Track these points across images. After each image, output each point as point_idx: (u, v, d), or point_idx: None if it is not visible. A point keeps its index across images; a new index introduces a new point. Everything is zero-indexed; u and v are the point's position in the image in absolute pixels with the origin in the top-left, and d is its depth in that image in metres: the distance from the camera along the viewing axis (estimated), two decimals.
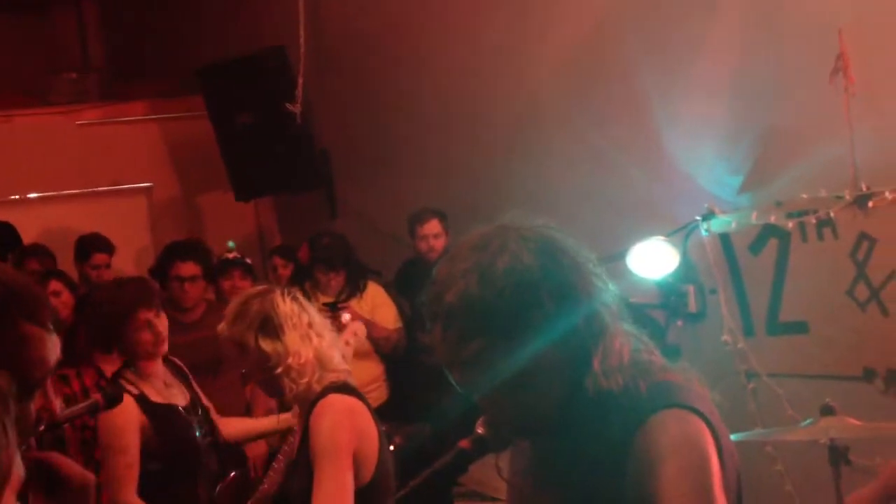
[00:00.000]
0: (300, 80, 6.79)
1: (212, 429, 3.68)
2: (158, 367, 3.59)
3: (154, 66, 8.58)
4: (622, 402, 1.66)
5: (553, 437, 1.74)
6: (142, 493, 3.39)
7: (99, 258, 6.42)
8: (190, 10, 8.27)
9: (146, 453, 3.43)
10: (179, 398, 3.61)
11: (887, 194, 4.06)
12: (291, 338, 2.89)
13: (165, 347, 3.54)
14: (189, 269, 5.27)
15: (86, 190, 7.75)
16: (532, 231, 1.70)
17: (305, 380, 2.87)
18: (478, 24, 5.95)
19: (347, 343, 3.50)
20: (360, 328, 3.74)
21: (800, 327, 4.33)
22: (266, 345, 2.87)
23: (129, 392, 3.42)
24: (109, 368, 4.15)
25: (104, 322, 3.58)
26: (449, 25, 6.16)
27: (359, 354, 5.21)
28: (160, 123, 8.10)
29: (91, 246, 6.45)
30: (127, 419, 3.39)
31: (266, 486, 3.12)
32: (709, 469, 1.60)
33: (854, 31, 4.11)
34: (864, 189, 4.10)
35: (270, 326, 2.89)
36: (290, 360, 2.87)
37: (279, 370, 2.87)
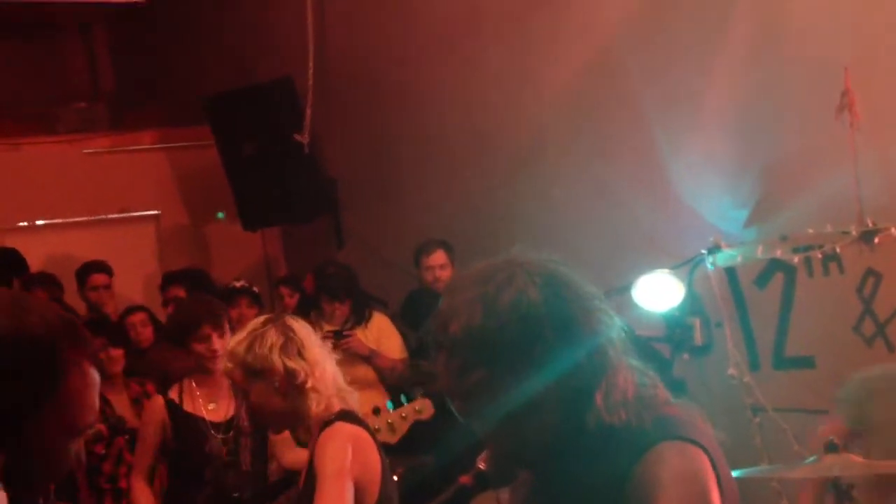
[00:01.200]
0: (308, 111, 6.84)
1: (238, 449, 3.90)
2: (212, 380, 3.94)
3: (163, 95, 8.63)
4: (624, 436, 1.66)
5: (554, 469, 1.74)
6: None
7: (96, 279, 6.44)
8: (199, 40, 8.34)
9: (163, 450, 3.96)
10: (215, 414, 3.95)
11: (893, 230, 4.06)
12: (313, 354, 2.92)
13: (218, 365, 3.70)
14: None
15: (93, 217, 7.78)
16: (538, 265, 1.71)
17: (328, 395, 2.89)
18: (482, 56, 5.99)
19: None
20: None
21: (806, 362, 4.32)
22: (292, 363, 2.89)
23: (165, 395, 3.99)
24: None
25: (175, 330, 4.15)
26: (454, 57, 6.19)
27: (364, 384, 5.22)
28: (168, 152, 8.14)
29: (87, 269, 6.48)
30: (151, 414, 4.00)
31: None
32: (708, 500, 1.60)
33: (859, 68, 4.13)
34: (870, 225, 4.11)
35: (292, 346, 2.91)
36: (317, 373, 2.89)
37: (309, 384, 2.87)
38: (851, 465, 3.02)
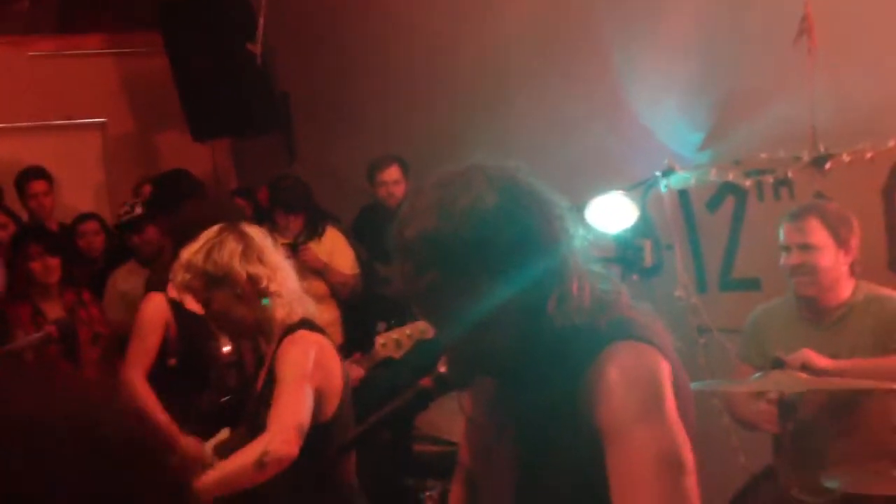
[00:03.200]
0: (261, 20, 6.70)
1: (241, 350, 3.80)
2: None
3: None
4: (582, 338, 1.68)
5: (513, 373, 1.77)
6: (156, 385, 3.83)
7: (35, 186, 6.29)
8: None
9: (166, 349, 3.88)
10: None
11: (844, 156, 4.12)
12: (273, 259, 2.90)
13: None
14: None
15: (37, 123, 7.58)
16: (499, 171, 1.72)
17: (290, 301, 2.88)
18: None
19: None
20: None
21: (752, 284, 4.41)
22: (253, 268, 2.87)
23: (167, 294, 3.85)
24: None
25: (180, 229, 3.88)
26: None
27: (316, 298, 5.22)
28: (116, 58, 7.93)
29: (26, 176, 6.33)
30: (154, 312, 3.89)
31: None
32: (661, 396, 1.63)
33: None
34: (822, 150, 4.17)
35: (251, 252, 2.90)
36: (279, 278, 2.88)
37: (272, 289, 2.86)
38: (796, 382, 3.12)
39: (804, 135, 4.19)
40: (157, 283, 4.02)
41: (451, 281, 1.66)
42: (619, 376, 1.63)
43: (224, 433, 3.29)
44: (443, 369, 1.79)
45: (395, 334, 3.64)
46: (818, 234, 3.39)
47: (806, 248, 3.39)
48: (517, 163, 1.76)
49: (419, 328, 3.70)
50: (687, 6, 4.70)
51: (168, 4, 7.10)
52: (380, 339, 3.30)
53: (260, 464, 2.70)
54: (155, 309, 3.91)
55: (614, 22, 4.92)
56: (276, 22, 6.73)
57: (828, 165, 4.17)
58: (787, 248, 3.46)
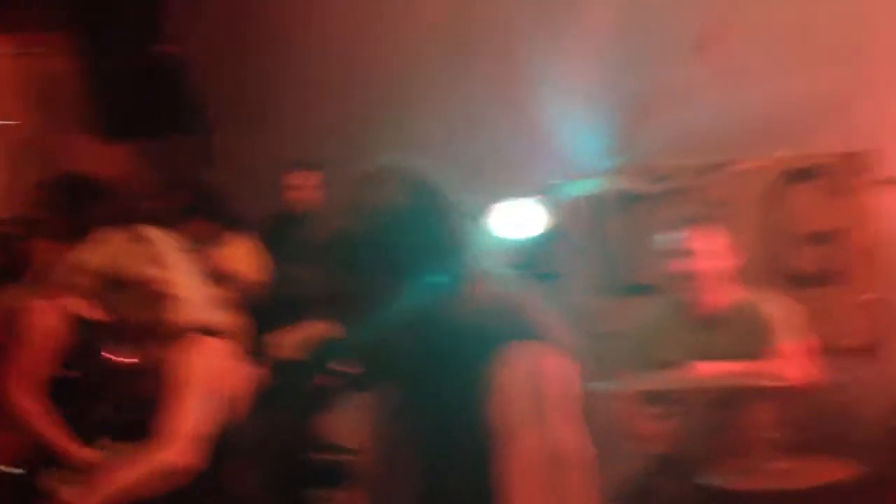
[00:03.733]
0: (176, 22, 6.63)
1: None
2: None
3: None
4: (482, 339, 1.68)
5: (415, 376, 1.76)
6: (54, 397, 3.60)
7: None
8: None
9: (59, 361, 3.59)
10: None
11: (741, 164, 4.22)
12: (174, 262, 2.84)
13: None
14: None
15: None
16: (412, 173, 1.72)
17: (191, 305, 2.81)
18: None
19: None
20: None
21: (652, 290, 4.45)
22: (153, 271, 2.79)
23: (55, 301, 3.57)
24: None
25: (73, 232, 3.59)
26: None
27: (222, 305, 5.16)
28: (25, 59, 7.75)
29: None
30: (40, 321, 3.59)
31: None
32: (556, 396, 1.64)
33: (718, 8, 4.24)
34: (720, 158, 4.26)
35: (151, 255, 2.82)
36: (178, 281, 2.81)
37: (173, 292, 2.79)
38: (682, 381, 3.19)
39: (703, 144, 4.28)
40: (39, 289, 3.89)
41: (360, 281, 1.66)
42: (513, 377, 1.64)
43: (122, 443, 3.23)
44: (347, 370, 1.77)
45: (293, 336, 3.64)
46: (703, 240, 3.45)
47: (692, 254, 3.45)
48: (427, 163, 1.76)
49: (319, 330, 3.68)
50: (593, 15, 4.76)
51: (79, 5, 6.96)
52: (279, 342, 3.28)
53: (156, 473, 2.66)
54: (41, 317, 3.72)
55: (521, 26, 4.97)
56: (191, 23, 6.66)
57: (725, 172, 4.26)
58: (674, 254, 3.52)
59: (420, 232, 1.66)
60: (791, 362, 3.25)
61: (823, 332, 3.37)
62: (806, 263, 3.95)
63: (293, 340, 3.69)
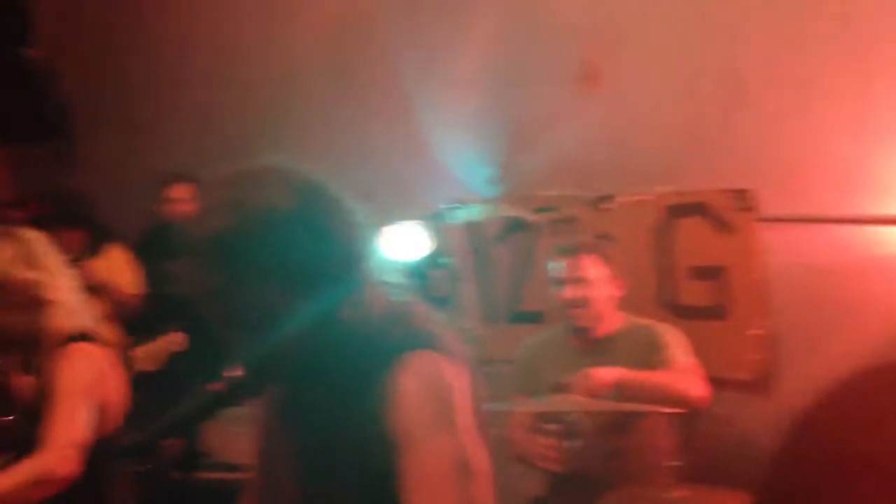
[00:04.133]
0: (39, 24, 6.40)
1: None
2: None
3: None
4: (375, 347, 1.67)
5: (303, 382, 1.73)
6: None
7: None
8: None
9: None
10: None
11: (622, 197, 4.35)
12: (52, 264, 2.72)
13: None
14: None
15: None
16: (297, 174, 1.66)
17: (69, 310, 2.70)
18: None
19: None
20: None
21: (537, 317, 4.54)
22: (29, 273, 2.67)
23: None
24: None
25: None
26: None
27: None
28: None
29: None
30: None
31: None
32: (455, 405, 1.63)
33: (601, 39, 4.37)
34: (604, 191, 4.38)
35: (26, 257, 2.70)
36: (58, 284, 2.70)
37: (50, 296, 2.67)
38: (576, 403, 3.24)
39: (588, 174, 4.39)
40: None
41: (238, 284, 1.59)
42: (415, 385, 1.62)
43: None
44: (231, 374, 1.71)
45: (150, 347, 3.55)
46: (592, 269, 3.55)
47: (581, 282, 3.54)
48: (316, 168, 1.70)
49: (175, 340, 3.61)
50: (481, 44, 4.83)
51: None
52: (137, 353, 3.20)
53: (35, 483, 2.55)
54: None
55: (410, 51, 5.01)
56: (61, 27, 6.42)
57: (609, 204, 4.38)
58: (562, 282, 3.60)
59: (306, 238, 1.61)
60: (686, 377, 3.34)
61: (709, 364, 3.47)
62: (692, 297, 4.08)
63: (148, 350, 3.61)
